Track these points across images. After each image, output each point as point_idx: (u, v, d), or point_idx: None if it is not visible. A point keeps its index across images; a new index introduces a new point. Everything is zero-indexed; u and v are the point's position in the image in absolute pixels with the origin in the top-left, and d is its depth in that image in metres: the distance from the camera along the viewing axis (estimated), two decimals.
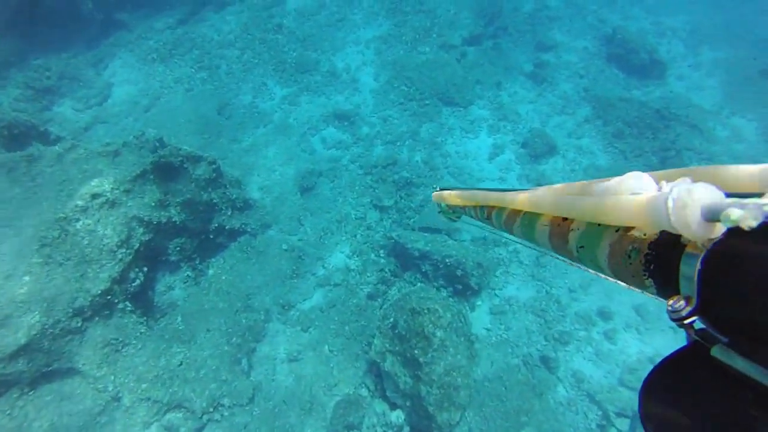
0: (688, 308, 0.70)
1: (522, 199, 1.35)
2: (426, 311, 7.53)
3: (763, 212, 0.59)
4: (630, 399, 8.20)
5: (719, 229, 0.68)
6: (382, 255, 9.85)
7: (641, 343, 8.86)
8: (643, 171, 0.91)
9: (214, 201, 9.38)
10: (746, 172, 0.80)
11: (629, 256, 0.89)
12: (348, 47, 13.56)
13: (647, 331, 8.97)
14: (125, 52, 13.75)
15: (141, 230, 8.51)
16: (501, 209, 1.59)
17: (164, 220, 8.76)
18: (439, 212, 2.59)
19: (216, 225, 9.49)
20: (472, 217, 2.01)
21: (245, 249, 9.81)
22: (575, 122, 12.33)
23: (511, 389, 8.25)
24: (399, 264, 9.61)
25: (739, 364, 0.62)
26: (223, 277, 9.40)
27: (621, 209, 0.86)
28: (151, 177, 8.85)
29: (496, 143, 11.74)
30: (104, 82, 13.04)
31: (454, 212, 2.43)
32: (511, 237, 1.56)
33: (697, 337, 0.71)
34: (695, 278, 0.70)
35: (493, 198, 1.64)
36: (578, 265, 1.16)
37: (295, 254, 9.82)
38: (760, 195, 0.67)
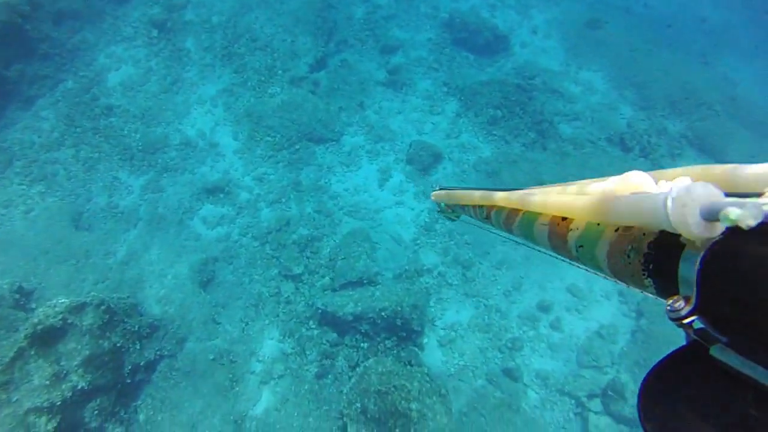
0: (687, 308, 0.71)
1: (521, 199, 1.36)
2: (393, 389, 7.35)
3: (762, 212, 0.60)
4: (593, 378, 8.77)
5: (718, 229, 0.69)
6: (313, 326, 9.44)
7: (584, 321, 9.50)
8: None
9: (118, 344, 8.29)
10: (745, 171, 0.81)
11: (628, 256, 0.90)
12: (193, 110, 12.42)
13: (585, 308, 9.63)
14: None
15: (44, 419, 7.30)
16: (500, 209, 1.62)
17: (69, 393, 7.58)
18: (438, 212, 2.65)
19: (130, 367, 8.42)
20: (471, 216, 2.06)
21: (170, 376, 8.88)
22: (448, 120, 12.57)
23: (489, 415, 8.47)
24: (335, 331, 9.26)
25: (739, 363, 0.63)
26: (159, 417, 8.46)
27: (620, 209, 0.87)
28: (32, 352, 7.57)
29: (381, 168, 11.60)
30: None
31: (453, 212, 2.49)
32: (511, 237, 1.60)
33: (696, 337, 0.71)
34: (694, 278, 0.71)
35: (492, 197, 1.65)
36: (577, 264, 1.17)
37: (225, 360, 9.10)
38: (759, 194, 0.70)
